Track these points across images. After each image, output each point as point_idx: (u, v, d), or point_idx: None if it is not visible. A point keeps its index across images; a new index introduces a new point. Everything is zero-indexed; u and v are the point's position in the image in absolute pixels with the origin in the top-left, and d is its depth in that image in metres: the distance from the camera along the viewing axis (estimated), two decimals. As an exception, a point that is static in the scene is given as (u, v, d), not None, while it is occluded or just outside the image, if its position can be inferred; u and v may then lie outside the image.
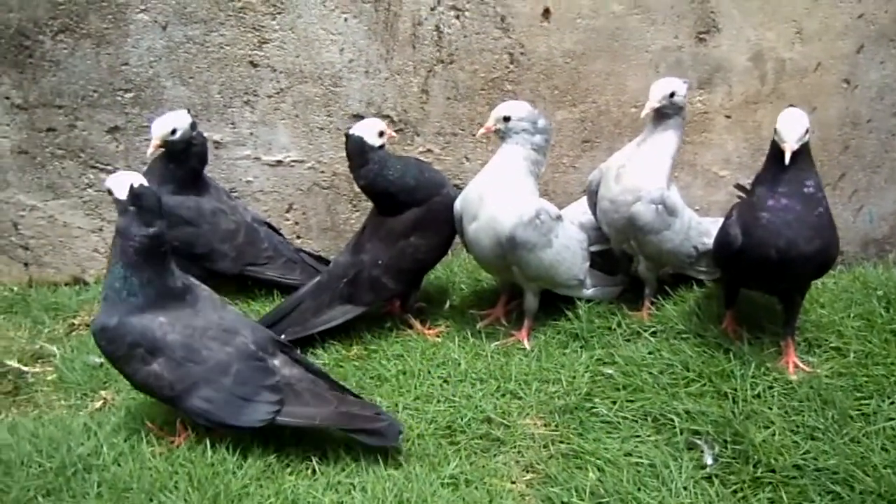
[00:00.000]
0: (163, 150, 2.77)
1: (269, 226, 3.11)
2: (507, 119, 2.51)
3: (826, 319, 2.66)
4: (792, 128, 2.19)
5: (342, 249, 2.86)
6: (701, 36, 2.98)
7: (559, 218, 2.61)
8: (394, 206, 2.65)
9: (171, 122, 2.75)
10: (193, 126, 2.81)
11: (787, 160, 2.18)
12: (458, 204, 2.64)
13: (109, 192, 2.16)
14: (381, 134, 2.61)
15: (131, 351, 2.15)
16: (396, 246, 2.65)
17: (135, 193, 2.12)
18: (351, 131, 2.60)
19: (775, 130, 2.23)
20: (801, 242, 2.23)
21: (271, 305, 2.90)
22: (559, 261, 2.61)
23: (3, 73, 3.01)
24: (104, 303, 2.19)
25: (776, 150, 2.24)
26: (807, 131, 2.21)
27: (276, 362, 2.26)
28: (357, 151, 2.59)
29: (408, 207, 2.65)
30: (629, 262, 2.83)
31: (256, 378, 2.20)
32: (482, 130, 2.57)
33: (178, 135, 2.76)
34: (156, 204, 2.16)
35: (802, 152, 2.22)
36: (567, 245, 2.63)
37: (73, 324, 3.03)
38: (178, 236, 2.79)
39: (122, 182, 2.13)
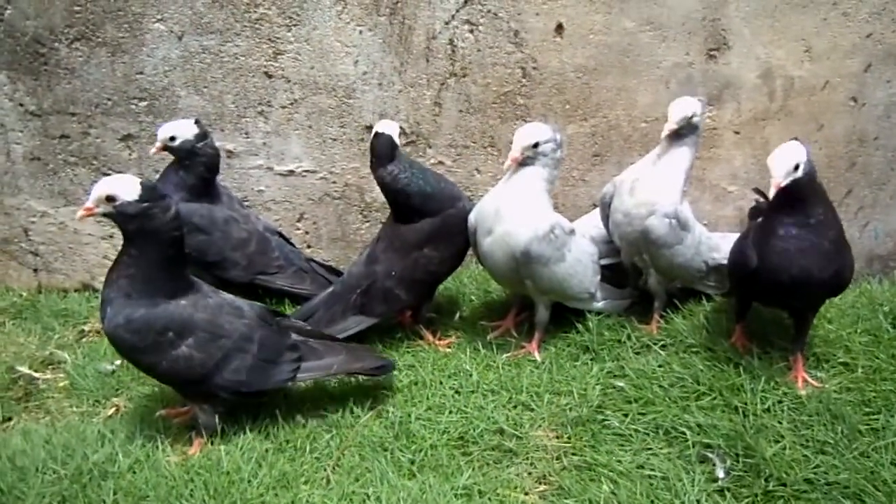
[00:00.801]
0: (165, 152, 2.82)
1: (281, 235, 3.13)
2: (536, 146, 2.49)
3: (834, 335, 2.68)
4: (779, 163, 2.17)
5: (355, 260, 2.87)
6: (711, 53, 3.00)
7: (572, 232, 2.63)
8: (410, 210, 2.66)
9: (172, 129, 2.78)
10: (201, 137, 2.81)
11: (770, 195, 2.19)
12: (472, 217, 2.65)
13: (110, 199, 2.06)
14: (400, 135, 2.66)
15: (160, 337, 2.16)
16: (410, 257, 2.67)
17: (147, 187, 2.10)
18: (379, 129, 2.62)
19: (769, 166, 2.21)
20: (815, 270, 2.25)
21: (282, 315, 2.92)
22: (572, 274, 2.63)
23: (17, 80, 3.03)
24: (121, 297, 2.14)
25: None
26: (797, 167, 2.18)
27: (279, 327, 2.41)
28: (387, 149, 2.61)
29: (422, 215, 2.66)
30: (638, 275, 2.86)
31: (277, 341, 2.34)
32: (509, 162, 2.50)
33: (176, 142, 2.78)
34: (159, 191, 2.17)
35: (803, 185, 2.20)
36: (579, 259, 2.65)
37: (84, 330, 3.04)
38: (191, 244, 2.77)
39: (125, 183, 2.09)
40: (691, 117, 2.54)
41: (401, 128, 2.84)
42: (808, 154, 2.22)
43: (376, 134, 2.63)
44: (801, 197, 2.24)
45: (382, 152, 2.62)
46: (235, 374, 2.25)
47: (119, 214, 2.08)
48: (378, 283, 2.69)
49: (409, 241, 2.67)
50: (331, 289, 2.79)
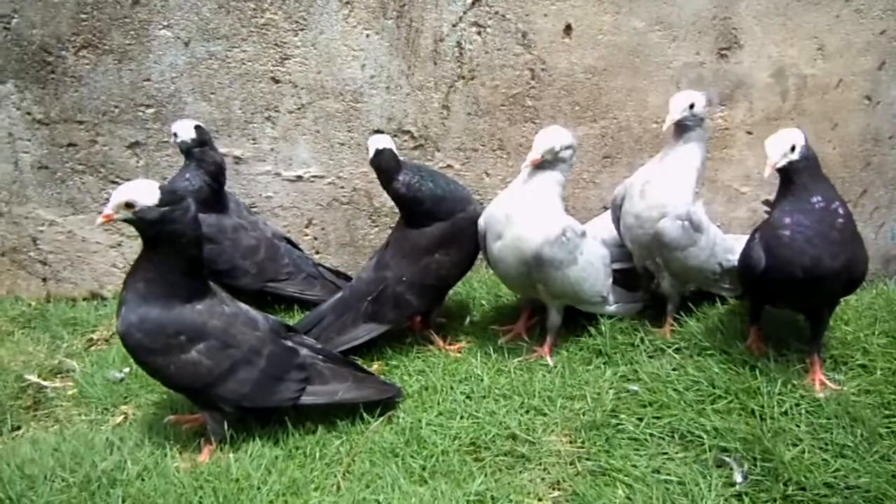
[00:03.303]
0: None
1: (289, 241, 3.12)
2: (557, 150, 2.46)
3: (851, 336, 2.63)
4: (775, 144, 2.22)
5: (364, 265, 2.84)
6: (722, 52, 2.97)
7: (584, 234, 2.59)
8: (422, 215, 2.63)
9: (176, 127, 2.86)
10: (198, 142, 2.84)
11: (765, 174, 2.23)
12: (482, 221, 2.62)
13: (129, 206, 2.04)
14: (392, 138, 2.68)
15: (171, 339, 2.14)
16: (420, 262, 2.64)
17: (166, 191, 2.09)
18: (378, 146, 2.59)
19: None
20: (826, 258, 2.21)
21: (292, 321, 2.88)
22: (584, 277, 2.59)
23: (24, 89, 3.04)
24: (138, 298, 2.12)
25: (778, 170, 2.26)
26: (793, 148, 2.21)
27: (292, 344, 2.38)
28: (392, 163, 2.59)
29: (433, 220, 2.63)
30: (651, 278, 2.82)
31: (287, 357, 2.31)
32: (528, 163, 2.46)
33: (178, 139, 2.85)
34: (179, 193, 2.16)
35: (799, 167, 2.23)
36: (591, 262, 2.61)
37: (92, 339, 3.03)
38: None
39: (144, 189, 2.07)
40: (691, 107, 2.50)
41: (409, 133, 2.82)
42: (805, 139, 2.23)
43: (377, 152, 2.60)
44: (799, 181, 2.24)
45: (389, 167, 2.60)
46: (240, 387, 2.22)
47: (140, 220, 2.06)
48: (389, 290, 2.66)
49: (419, 245, 2.64)
50: (339, 295, 2.76)
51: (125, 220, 2.08)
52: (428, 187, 2.60)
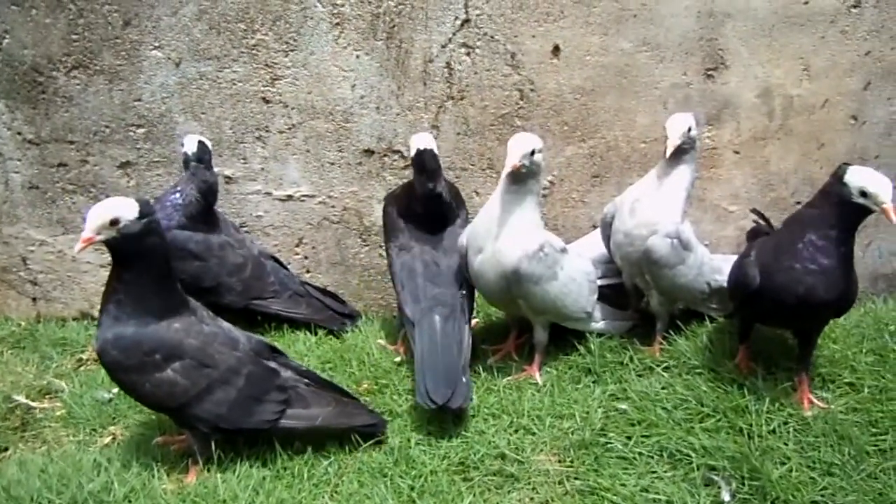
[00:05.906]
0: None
1: (276, 259, 3.12)
2: (533, 153, 2.42)
3: (839, 355, 2.64)
4: (888, 188, 2.10)
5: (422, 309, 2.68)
6: (709, 72, 3.00)
7: (564, 250, 2.60)
8: (442, 218, 2.81)
9: (186, 138, 2.90)
10: (197, 158, 2.87)
11: (894, 220, 2.09)
12: (463, 238, 2.64)
13: (114, 223, 2.03)
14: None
15: (146, 358, 2.12)
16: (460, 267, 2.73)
17: (143, 203, 2.09)
18: (421, 146, 2.71)
19: (863, 192, 2.11)
20: (822, 290, 2.21)
21: (281, 340, 2.90)
22: (565, 293, 2.60)
23: (15, 109, 3.04)
24: (110, 319, 2.11)
25: (843, 206, 2.16)
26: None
27: (274, 365, 2.34)
28: (436, 163, 2.74)
29: (446, 224, 2.81)
30: (640, 296, 2.83)
31: (267, 378, 2.28)
32: (509, 169, 2.40)
33: (182, 149, 2.89)
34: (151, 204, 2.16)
35: (867, 211, 2.16)
36: (573, 277, 2.62)
37: (82, 359, 3.02)
38: (187, 270, 2.79)
39: (123, 204, 2.06)
40: (689, 131, 2.53)
41: (399, 153, 2.86)
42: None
43: (422, 150, 2.69)
44: (856, 222, 2.20)
45: (433, 166, 2.72)
46: (216, 407, 2.19)
47: (123, 237, 2.04)
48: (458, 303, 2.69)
49: (453, 248, 2.74)
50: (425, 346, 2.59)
51: (105, 242, 2.05)
52: (448, 195, 2.80)
